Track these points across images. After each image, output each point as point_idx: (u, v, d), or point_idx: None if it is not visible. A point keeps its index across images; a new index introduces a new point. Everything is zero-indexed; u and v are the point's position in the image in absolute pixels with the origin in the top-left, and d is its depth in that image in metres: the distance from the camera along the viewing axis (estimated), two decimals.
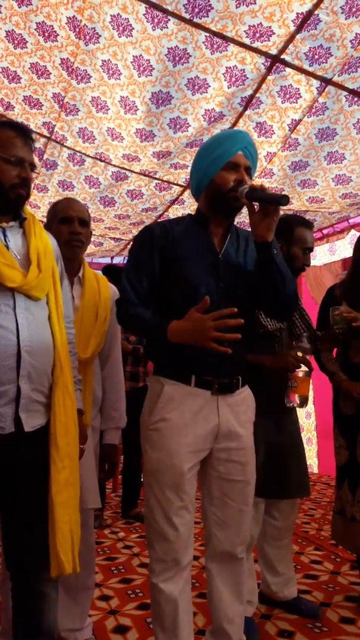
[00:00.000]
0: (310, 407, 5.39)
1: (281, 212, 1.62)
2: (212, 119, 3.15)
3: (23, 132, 1.51)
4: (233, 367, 1.64)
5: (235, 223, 1.77)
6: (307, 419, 5.51)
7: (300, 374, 1.97)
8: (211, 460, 1.64)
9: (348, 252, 4.85)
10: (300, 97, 2.96)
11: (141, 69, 2.81)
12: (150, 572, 1.60)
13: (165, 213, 4.49)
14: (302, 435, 5.56)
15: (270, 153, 3.41)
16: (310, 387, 2.23)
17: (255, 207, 1.57)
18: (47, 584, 1.42)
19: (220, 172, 1.62)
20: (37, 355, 1.43)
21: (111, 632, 2.08)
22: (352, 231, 4.83)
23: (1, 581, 1.74)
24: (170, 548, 1.56)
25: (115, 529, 3.46)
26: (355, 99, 2.93)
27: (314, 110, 3.03)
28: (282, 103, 3.02)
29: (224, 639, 1.68)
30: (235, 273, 1.66)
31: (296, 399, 1.95)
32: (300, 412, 5.56)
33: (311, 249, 2.24)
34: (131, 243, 1.72)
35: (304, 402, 1.95)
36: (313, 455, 5.45)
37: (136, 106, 3.07)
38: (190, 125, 3.20)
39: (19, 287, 1.41)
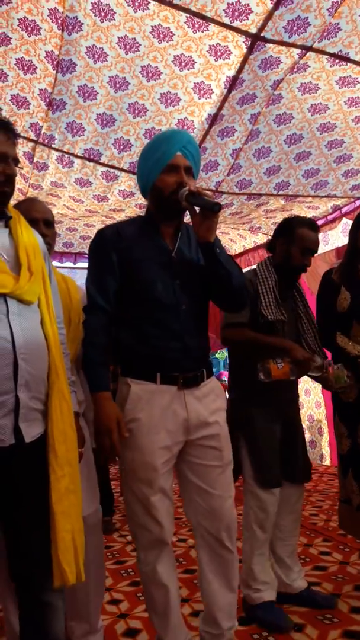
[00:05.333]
0: (319, 396, 5.38)
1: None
2: (203, 92, 3.12)
3: (4, 127, 1.43)
4: (196, 361, 1.70)
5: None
6: (317, 408, 5.48)
7: (292, 374, 2.04)
8: (188, 450, 1.70)
9: (341, 242, 4.84)
10: (282, 62, 2.94)
11: (127, 46, 2.80)
12: (138, 561, 1.70)
13: None
14: (313, 425, 5.61)
15: (255, 114, 3.38)
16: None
17: (196, 209, 1.62)
18: (52, 594, 1.39)
19: (161, 175, 1.66)
20: (34, 362, 1.39)
21: (121, 636, 2.06)
22: (344, 219, 4.82)
23: (2, 592, 1.73)
24: (154, 538, 1.65)
25: (124, 532, 3.44)
26: (337, 61, 2.94)
27: (295, 69, 3.01)
28: (263, 72, 3.01)
29: (214, 627, 1.73)
30: (189, 270, 1.72)
31: (266, 376, 2.03)
32: (310, 402, 5.55)
33: (312, 251, 2.24)
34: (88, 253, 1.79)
35: (269, 379, 2.04)
36: (325, 445, 5.42)
37: (127, 81, 3.04)
38: (181, 99, 3.18)
39: (11, 292, 1.36)
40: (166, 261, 1.70)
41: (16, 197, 3.96)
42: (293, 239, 2.21)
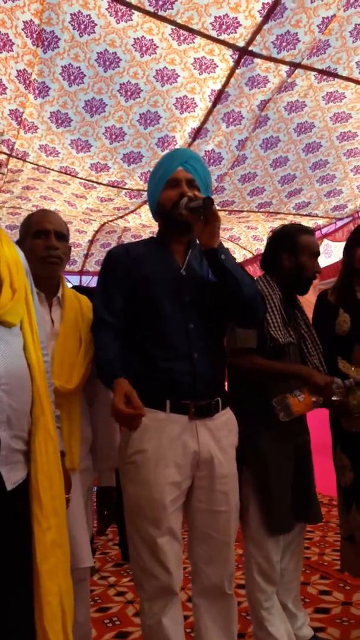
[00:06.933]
0: None
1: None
2: (185, 106, 3.00)
3: None
4: (210, 388, 1.59)
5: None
6: None
7: (314, 405, 1.86)
8: (194, 491, 1.59)
9: (323, 262, 4.79)
10: (269, 82, 2.88)
11: (107, 63, 2.67)
12: (141, 612, 1.55)
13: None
14: None
15: (242, 140, 3.29)
16: None
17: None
18: None
19: (163, 191, 1.65)
20: (16, 394, 1.19)
21: None
22: (325, 240, 4.78)
23: None
24: (160, 586, 1.51)
25: (105, 573, 3.16)
26: (324, 77, 2.91)
27: (282, 88, 2.96)
28: (250, 90, 2.94)
29: None
30: (199, 286, 1.65)
31: (287, 413, 1.81)
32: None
33: (318, 254, 2.14)
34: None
35: (290, 416, 1.83)
36: None
37: (104, 103, 2.90)
38: (161, 117, 3.05)
39: None
40: (175, 278, 1.64)
41: None
42: (299, 249, 2.06)
